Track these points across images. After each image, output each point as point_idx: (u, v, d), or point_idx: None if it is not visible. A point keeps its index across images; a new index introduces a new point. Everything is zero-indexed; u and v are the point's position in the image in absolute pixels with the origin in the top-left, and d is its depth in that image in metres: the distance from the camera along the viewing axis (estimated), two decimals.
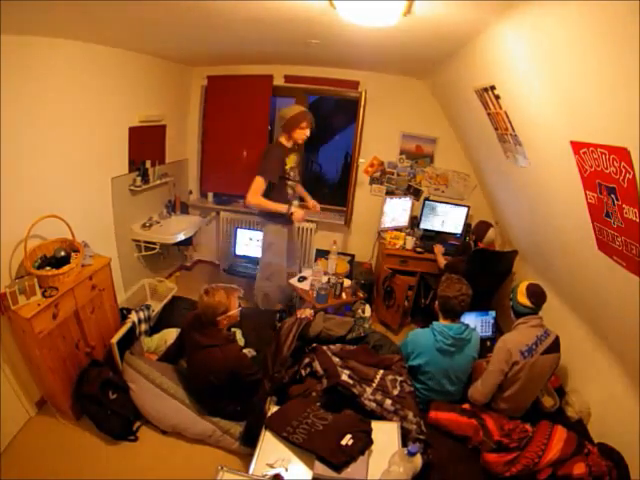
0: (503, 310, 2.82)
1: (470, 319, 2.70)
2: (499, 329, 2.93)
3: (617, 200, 1.30)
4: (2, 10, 1.48)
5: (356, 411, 1.76)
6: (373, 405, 1.80)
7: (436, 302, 2.14)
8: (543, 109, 1.66)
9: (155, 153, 3.35)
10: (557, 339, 1.97)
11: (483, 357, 2.21)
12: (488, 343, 2.70)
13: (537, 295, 2.00)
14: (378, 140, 3.70)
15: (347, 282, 3.06)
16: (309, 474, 1.40)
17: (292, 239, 3.06)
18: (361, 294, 3.00)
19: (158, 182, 3.30)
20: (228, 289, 2.09)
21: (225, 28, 2.18)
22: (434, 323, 2.08)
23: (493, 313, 2.86)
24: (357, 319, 2.59)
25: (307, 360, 2.05)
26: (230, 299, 2.06)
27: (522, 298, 2.01)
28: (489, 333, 2.82)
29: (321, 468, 1.40)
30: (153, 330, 2.70)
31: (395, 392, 1.88)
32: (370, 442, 1.51)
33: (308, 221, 3.85)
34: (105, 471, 1.98)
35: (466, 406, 2.01)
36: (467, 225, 3.68)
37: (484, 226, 3.07)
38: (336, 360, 2.02)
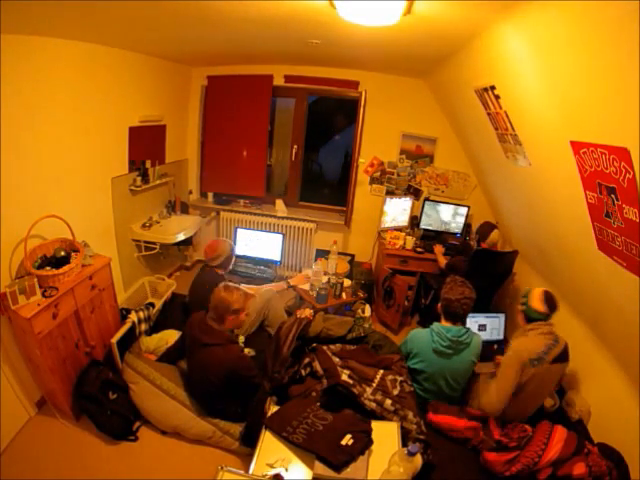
0: (509, 312, 2.81)
1: (479, 320, 2.69)
2: (506, 332, 2.90)
3: (617, 200, 1.30)
4: (2, 10, 1.48)
5: (356, 411, 1.76)
6: (373, 405, 1.80)
7: (439, 303, 2.12)
8: (543, 109, 1.66)
9: (155, 153, 3.35)
10: (566, 347, 1.91)
11: (487, 361, 2.19)
12: (495, 346, 2.66)
13: (552, 301, 1.94)
14: (378, 140, 3.70)
15: (347, 282, 3.06)
16: (309, 474, 1.40)
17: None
18: (361, 294, 3.00)
19: (158, 182, 3.30)
20: (246, 293, 2.10)
21: (225, 28, 2.18)
22: (434, 324, 2.07)
23: (503, 316, 2.81)
24: (357, 319, 2.59)
25: (307, 360, 2.05)
26: (246, 302, 2.07)
27: (537, 304, 1.93)
28: (500, 336, 2.79)
29: (321, 468, 1.40)
30: (153, 330, 2.70)
31: (395, 392, 1.87)
32: (370, 442, 1.51)
33: (308, 221, 3.86)
34: (105, 471, 1.98)
35: (471, 411, 1.98)
36: (467, 225, 3.68)
37: (488, 227, 3.06)
38: (336, 360, 2.02)
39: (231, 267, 2.82)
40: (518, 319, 2.07)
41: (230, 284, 2.09)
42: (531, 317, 1.97)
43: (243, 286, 2.53)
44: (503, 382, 1.88)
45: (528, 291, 2.03)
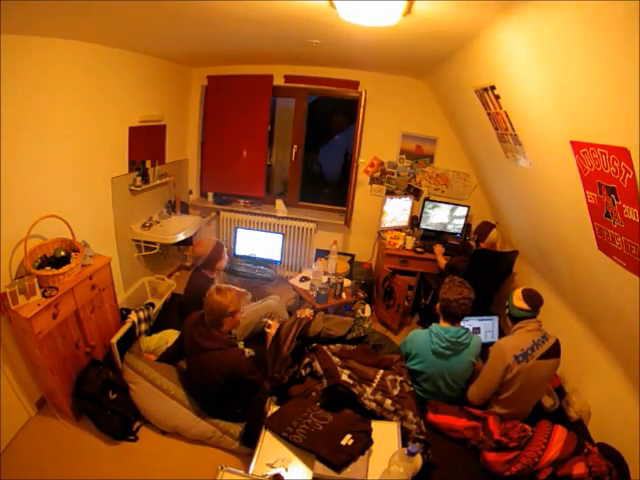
0: (504, 314, 2.80)
1: (473, 324, 2.68)
2: (502, 334, 2.90)
3: (617, 200, 1.30)
4: (2, 10, 1.48)
5: (356, 411, 1.76)
6: (373, 405, 1.80)
7: (437, 304, 2.12)
8: (543, 109, 1.66)
9: (155, 153, 3.35)
10: (557, 343, 1.94)
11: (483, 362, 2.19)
12: (490, 349, 2.67)
13: (533, 297, 1.99)
14: (378, 140, 3.70)
15: (347, 282, 3.06)
16: (309, 474, 1.40)
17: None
18: (361, 294, 3.00)
19: (158, 182, 3.30)
20: (239, 292, 2.09)
21: (225, 28, 2.18)
22: (433, 325, 2.07)
23: (496, 318, 2.81)
24: (357, 319, 2.59)
25: (307, 360, 2.05)
26: (240, 303, 2.06)
27: (518, 302, 1.99)
28: (494, 339, 2.79)
29: (321, 468, 1.40)
30: (153, 330, 2.70)
31: (395, 392, 1.87)
32: (370, 442, 1.51)
33: (308, 221, 3.86)
34: (105, 471, 1.98)
35: (471, 409, 1.99)
36: (467, 225, 3.68)
37: (487, 227, 3.05)
38: (336, 360, 2.02)
39: (225, 265, 2.81)
40: (507, 322, 2.11)
41: (222, 286, 2.05)
42: (516, 316, 2.02)
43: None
44: (483, 374, 1.99)
45: (511, 292, 2.08)
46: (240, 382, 2.02)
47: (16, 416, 2.12)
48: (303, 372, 2.02)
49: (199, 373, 2.06)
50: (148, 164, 3.17)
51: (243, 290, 2.17)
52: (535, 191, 2.27)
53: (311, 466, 1.42)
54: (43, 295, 1.93)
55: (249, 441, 1.98)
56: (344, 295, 2.92)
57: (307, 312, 2.35)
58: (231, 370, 1.98)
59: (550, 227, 2.27)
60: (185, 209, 3.83)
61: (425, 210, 3.66)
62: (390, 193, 3.81)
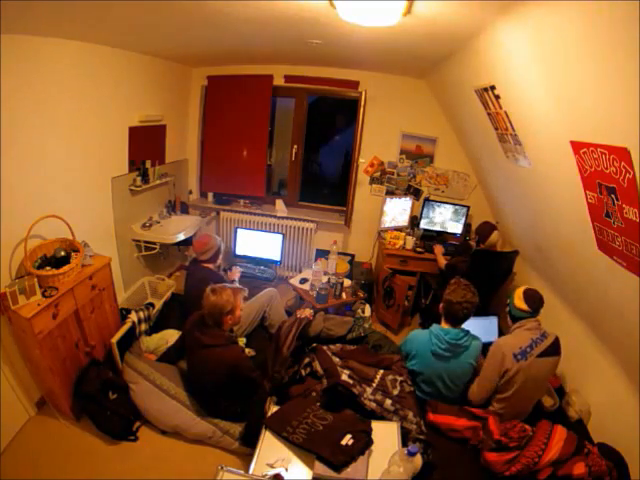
0: (504, 313, 2.79)
1: (472, 324, 2.67)
2: (502, 334, 2.89)
3: (617, 200, 1.30)
4: (2, 10, 1.48)
5: (356, 411, 1.76)
6: (373, 405, 1.80)
7: (441, 305, 2.10)
8: (543, 109, 1.66)
9: (155, 153, 3.35)
10: (556, 341, 1.94)
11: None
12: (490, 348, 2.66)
13: (534, 299, 1.98)
14: (378, 140, 3.70)
15: (347, 282, 3.06)
16: (309, 474, 1.40)
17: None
18: (361, 294, 3.00)
19: (158, 182, 3.30)
20: (234, 289, 2.09)
21: (225, 28, 2.18)
22: (433, 325, 2.06)
23: (495, 318, 2.80)
24: (357, 319, 2.59)
25: (307, 360, 2.05)
26: (237, 299, 2.06)
27: (519, 302, 1.98)
28: (493, 338, 2.78)
29: (321, 468, 1.40)
30: (153, 329, 2.70)
31: (395, 392, 1.87)
32: (370, 442, 1.51)
33: (308, 221, 3.86)
34: (105, 471, 1.98)
35: (471, 409, 1.99)
36: (467, 225, 3.68)
37: (488, 228, 3.00)
38: (336, 360, 2.03)
39: (220, 262, 2.83)
40: (507, 321, 2.11)
41: (216, 285, 2.05)
42: (516, 316, 2.01)
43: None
44: (483, 374, 1.99)
45: (512, 291, 2.07)
46: (240, 380, 2.02)
47: (16, 416, 2.12)
48: (303, 372, 2.03)
49: (199, 370, 2.06)
50: (148, 164, 3.17)
51: (239, 286, 2.17)
52: (535, 191, 2.27)
53: (311, 466, 1.42)
54: (43, 295, 1.93)
55: (249, 441, 1.98)
56: (344, 295, 2.92)
57: (307, 312, 2.35)
58: (231, 367, 1.98)
59: (550, 227, 2.27)
60: (185, 209, 3.83)
61: (425, 210, 3.65)
62: (390, 193, 3.81)
